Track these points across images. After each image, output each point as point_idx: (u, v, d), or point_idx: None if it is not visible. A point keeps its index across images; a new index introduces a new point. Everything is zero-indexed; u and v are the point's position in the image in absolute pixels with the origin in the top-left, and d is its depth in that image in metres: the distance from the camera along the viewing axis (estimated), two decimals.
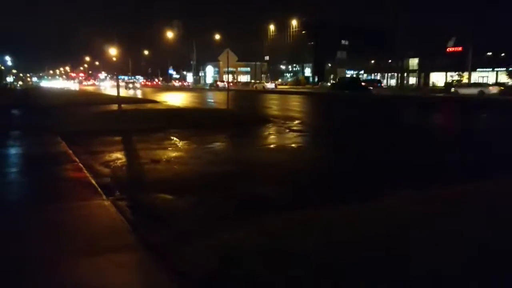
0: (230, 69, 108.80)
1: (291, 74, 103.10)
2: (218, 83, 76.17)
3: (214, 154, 9.45)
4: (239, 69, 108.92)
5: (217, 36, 75.00)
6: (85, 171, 6.89)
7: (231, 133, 12.96)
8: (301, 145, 10.83)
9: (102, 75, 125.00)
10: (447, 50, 61.90)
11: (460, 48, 58.20)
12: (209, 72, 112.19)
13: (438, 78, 65.47)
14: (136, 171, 7.47)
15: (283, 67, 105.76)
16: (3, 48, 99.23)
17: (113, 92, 40.76)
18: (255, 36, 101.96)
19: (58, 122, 15.19)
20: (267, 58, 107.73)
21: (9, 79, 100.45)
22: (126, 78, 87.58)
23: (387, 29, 57.50)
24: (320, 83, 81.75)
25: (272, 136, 12.35)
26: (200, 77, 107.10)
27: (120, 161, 8.24)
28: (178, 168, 7.58)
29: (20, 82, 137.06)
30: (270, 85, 63.20)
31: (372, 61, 78.86)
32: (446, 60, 60.54)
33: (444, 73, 62.65)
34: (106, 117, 17.29)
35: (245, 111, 21.41)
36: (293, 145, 10.65)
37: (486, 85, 44.90)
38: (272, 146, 10.74)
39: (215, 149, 10.18)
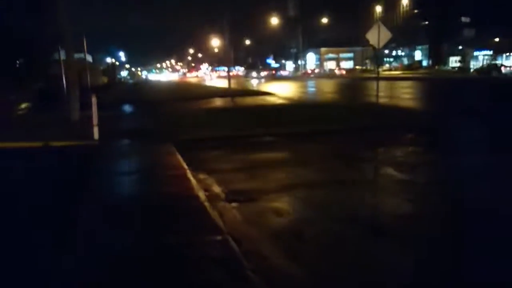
0: (332, 55, 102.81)
1: (393, 59, 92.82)
2: (336, 71, 76.31)
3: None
4: (340, 55, 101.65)
5: (324, 20, 70.03)
6: (244, 264, 3.32)
7: (426, 144, 8.68)
8: None
9: (204, 66, 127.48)
10: None
11: None
12: (310, 60, 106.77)
13: None
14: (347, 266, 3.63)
15: (387, 51, 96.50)
16: (118, 44, 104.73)
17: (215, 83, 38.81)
18: (360, 19, 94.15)
19: (170, 123, 12.27)
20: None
21: (123, 73, 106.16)
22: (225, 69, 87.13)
23: None
24: (436, 66, 72.08)
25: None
26: (299, 65, 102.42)
27: (299, 226, 4.49)
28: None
29: (143, 75, 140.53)
30: None
31: (497, 39, 65.79)
32: None
33: None
34: (224, 116, 14.16)
35: (395, 107, 16.18)
36: None
37: None
38: None
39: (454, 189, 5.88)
